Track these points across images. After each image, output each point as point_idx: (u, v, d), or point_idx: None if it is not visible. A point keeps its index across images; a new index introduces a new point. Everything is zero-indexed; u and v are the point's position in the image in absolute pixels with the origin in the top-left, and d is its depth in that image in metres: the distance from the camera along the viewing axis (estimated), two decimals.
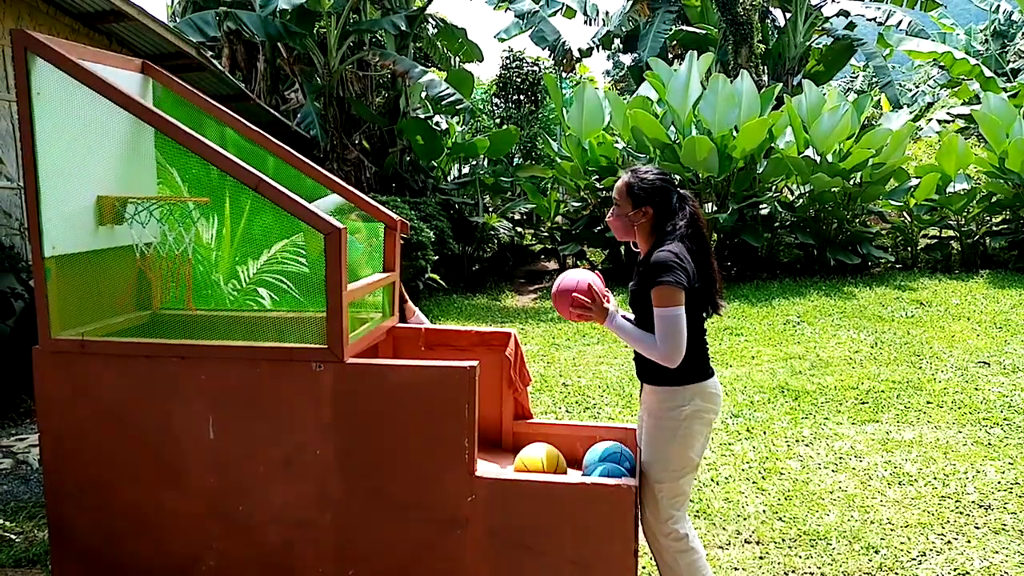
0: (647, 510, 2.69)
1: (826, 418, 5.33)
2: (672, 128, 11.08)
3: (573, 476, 3.03)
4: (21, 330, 5.65)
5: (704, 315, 2.73)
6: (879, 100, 17.65)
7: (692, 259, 2.61)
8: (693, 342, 2.66)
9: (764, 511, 3.94)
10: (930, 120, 16.55)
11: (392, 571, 2.75)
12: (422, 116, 12.59)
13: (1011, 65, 21.41)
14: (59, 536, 2.92)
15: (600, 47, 18.29)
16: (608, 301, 2.76)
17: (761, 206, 11.36)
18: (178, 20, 11.26)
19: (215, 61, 8.83)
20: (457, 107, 11.02)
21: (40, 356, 2.82)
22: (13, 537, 3.70)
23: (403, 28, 11.42)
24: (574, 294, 2.72)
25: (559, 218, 13.19)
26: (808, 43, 17.54)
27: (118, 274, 3.08)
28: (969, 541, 3.61)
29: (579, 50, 17.47)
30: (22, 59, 2.69)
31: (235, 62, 12.07)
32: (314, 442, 2.72)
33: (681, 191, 2.74)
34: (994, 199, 11.37)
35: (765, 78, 17.15)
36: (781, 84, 13.46)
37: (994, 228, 11.78)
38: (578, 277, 2.78)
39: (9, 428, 5.32)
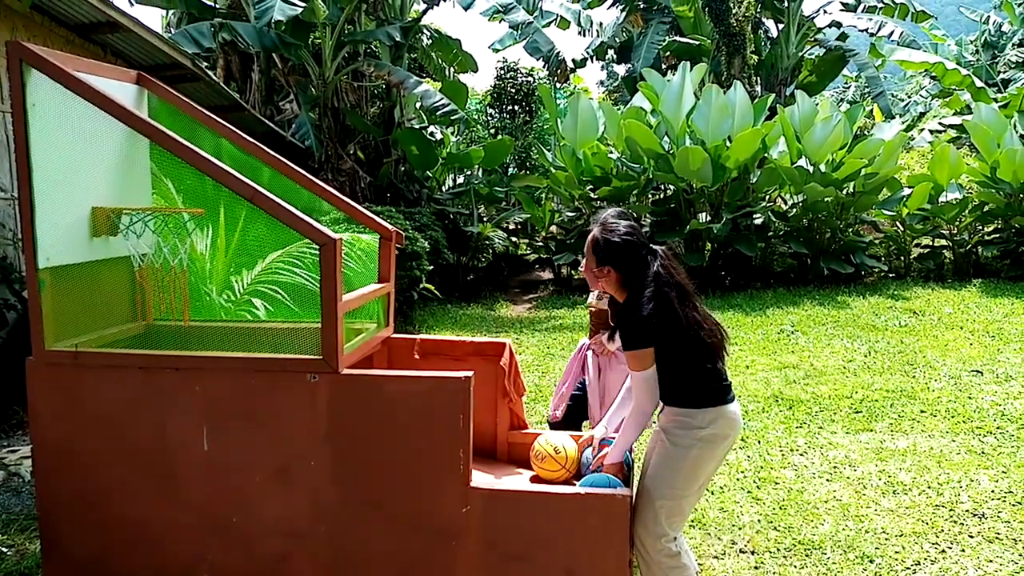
0: (641, 525, 2.66)
1: (820, 427, 5.34)
2: (666, 138, 11.12)
3: (567, 486, 3.04)
4: (14, 341, 5.63)
5: (708, 361, 2.68)
6: (871, 110, 17.76)
7: (669, 306, 2.59)
8: (703, 370, 2.64)
9: (759, 520, 3.94)
10: (922, 130, 16.67)
11: None
12: (417, 126, 12.62)
13: (1001, 76, 21.60)
14: (51, 549, 2.90)
15: (594, 58, 18.38)
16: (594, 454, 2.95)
17: (755, 216, 11.40)
18: (173, 31, 11.28)
19: (210, 72, 8.84)
20: (452, 117, 11.06)
21: (33, 367, 2.81)
22: (4, 550, 3.67)
23: (398, 39, 11.47)
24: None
25: (553, 228, 13.24)
26: (801, 54, 17.67)
27: (112, 285, 3.07)
28: (963, 550, 3.61)
29: (573, 60, 17.55)
30: (17, 70, 2.70)
31: (230, 73, 12.09)
32: (309, 453, 2.71)
33: (653, 246, 2.72)
34: (986, 208, 11.44)
35: (758, 88, 17.26)
36: (774, 94, 13.56)
37: (986, 237, 11.84)
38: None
39: (1, 440, 5.29)
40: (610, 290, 2.76)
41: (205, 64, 9.57)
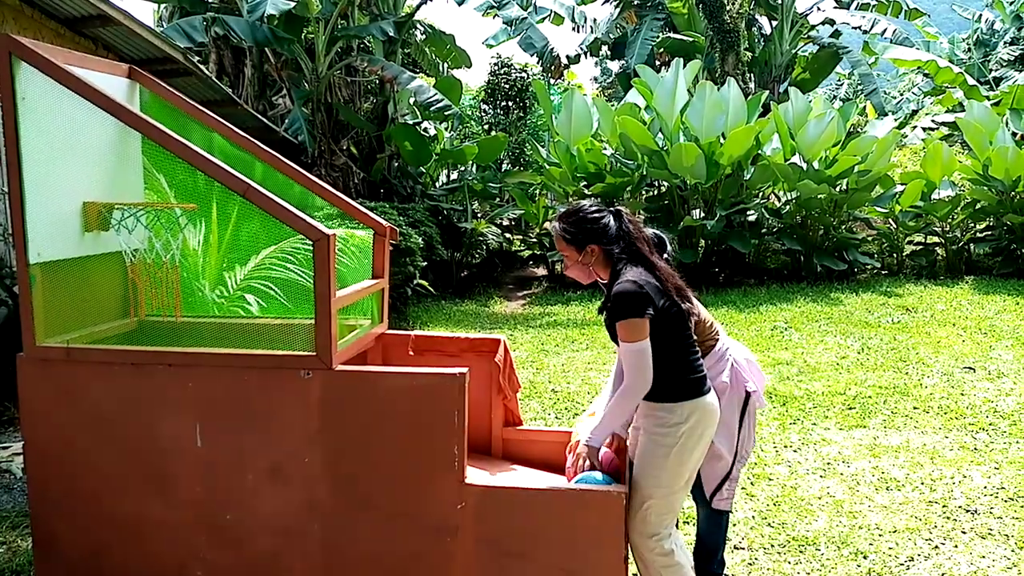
0: (633, 525, 2.65)
1: (814, 424, 5.35)
2: (660, 135, 11.12)
3: (562, 482, 3.03)
4: (5, 337, 5.57)
5: (689, 348, 2.69)
6: (864, 107, 17.79)
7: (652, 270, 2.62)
8: (682, 360, 2.64)
9: (753, 517, 3.95)
10: (915, 127, 16.70)
11: None
12: (410, 122, 12.57)
13: (993, 73, 21.68)
14: (43, 546, 2.88)
15: (588, 54, 18.36)
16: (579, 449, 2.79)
17: (748, 212, 11.42)
18: (165, 25, 11.21)
19: (202, 66, 8.79)
20: (445, 113, 11.02)
21: (25, 364, 2.79)
22: None
23: (391, 34, 11.41)
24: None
25: (547, 224, 13.20)
26: (794, 51, 17.69)
27: (104, 281, 3.05)
28: (956, 546, 3.62)
29: (567, 57, 17.52)
30: (7, 63, 2.67)
31: (222, 67, 12.02)
32: (302, 450, 2.70)
33: (610, 209, 2.72)
34: (978, 206, 11.48)
35: (752, 85, 17.27)
36: (767, 91, 13.55)
37: (978, 235, 11.90)
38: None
39: None
40: (599, 271, 2.72)
41: (197, 58, 9.51)
